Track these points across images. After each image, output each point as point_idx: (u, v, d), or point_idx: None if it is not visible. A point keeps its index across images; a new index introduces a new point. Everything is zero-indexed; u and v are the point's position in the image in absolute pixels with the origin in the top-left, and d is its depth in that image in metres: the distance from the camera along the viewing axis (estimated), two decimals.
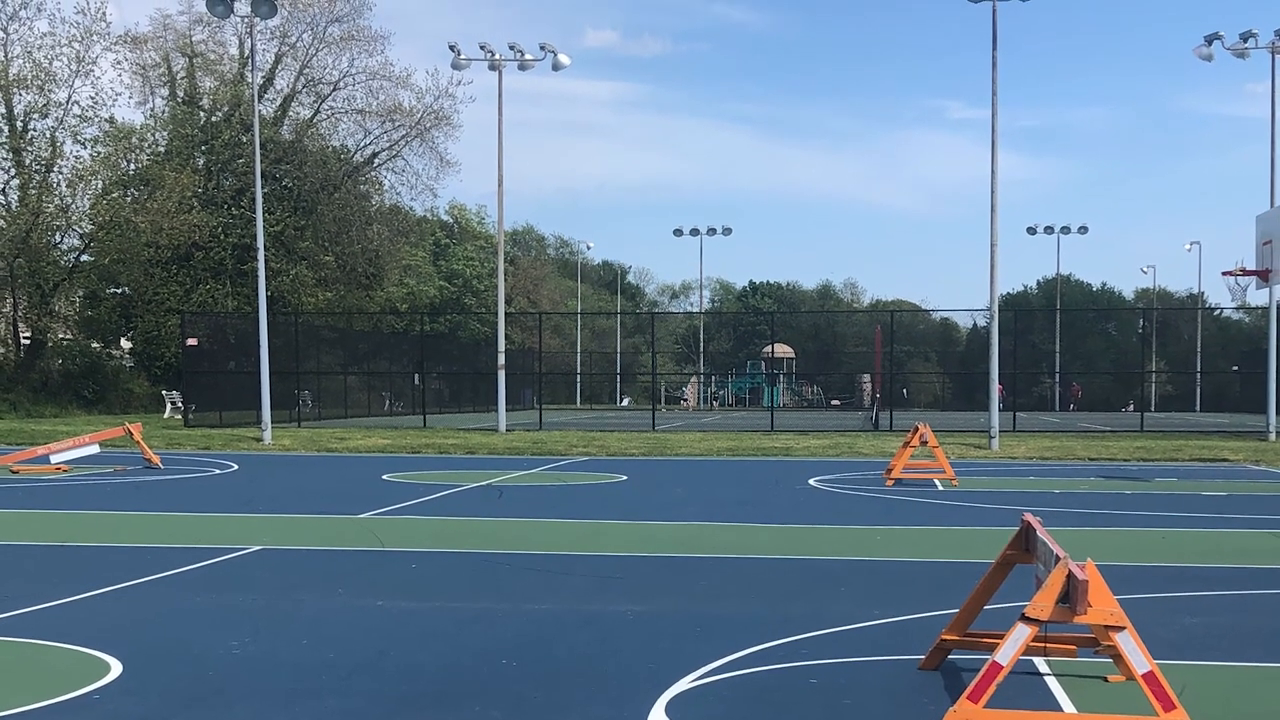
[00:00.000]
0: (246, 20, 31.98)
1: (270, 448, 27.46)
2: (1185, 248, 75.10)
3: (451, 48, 34.47)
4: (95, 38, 43.95)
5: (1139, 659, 5.45)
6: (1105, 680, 6.59)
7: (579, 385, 72.54)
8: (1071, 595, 5.52)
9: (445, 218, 73.54)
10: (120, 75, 47.39)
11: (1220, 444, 28.34)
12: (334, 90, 51.99)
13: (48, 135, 43.79)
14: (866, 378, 62.26)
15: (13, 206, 43.13)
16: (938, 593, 9.14)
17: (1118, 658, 5.89)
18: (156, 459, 21.55)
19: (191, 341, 37.77)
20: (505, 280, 38.63)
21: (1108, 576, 5.64)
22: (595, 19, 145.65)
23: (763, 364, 66.96)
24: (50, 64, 42.86)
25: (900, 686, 6.56)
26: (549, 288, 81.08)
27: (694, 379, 73.42)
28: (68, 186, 43.63)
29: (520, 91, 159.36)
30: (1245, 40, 30.86)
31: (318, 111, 52.60)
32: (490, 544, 12.02)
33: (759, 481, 19.57)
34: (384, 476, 19.94)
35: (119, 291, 48.39)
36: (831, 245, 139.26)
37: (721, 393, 73.27)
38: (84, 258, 45.87)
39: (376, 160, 54.49)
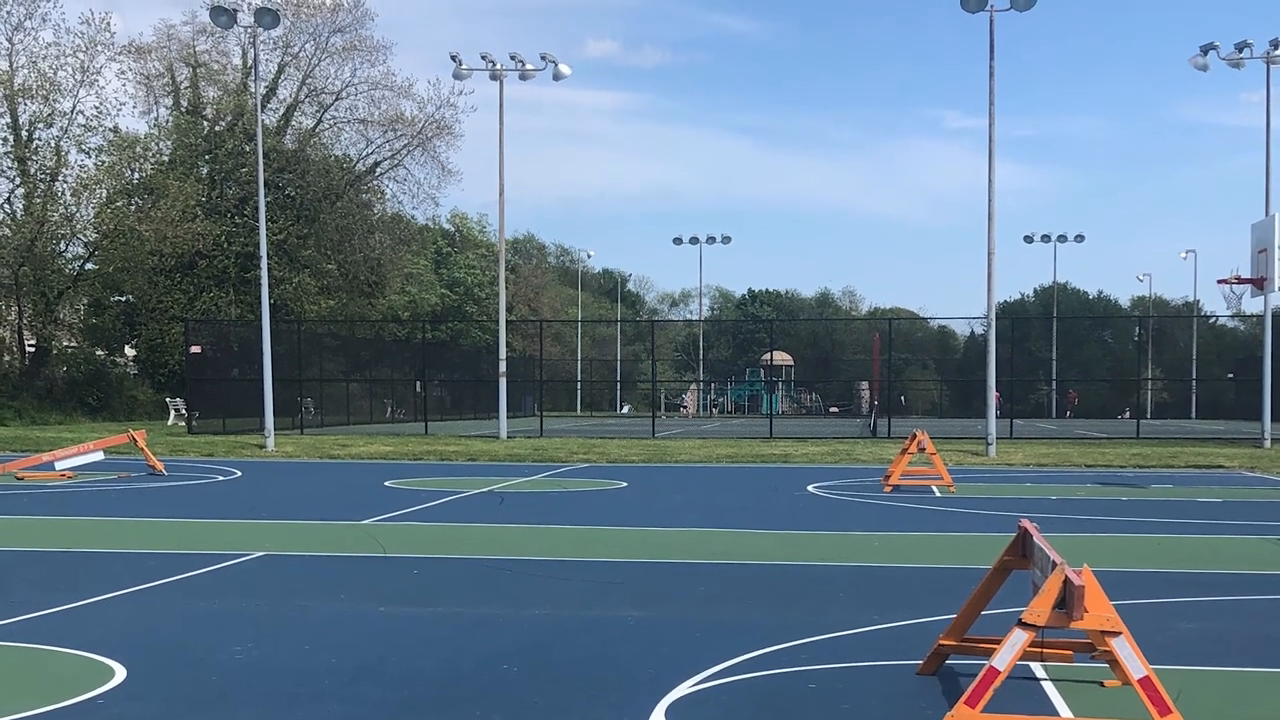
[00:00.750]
0: (249, 30, 32.24)
1: (273, 454, 27.53)
2: (1181, 256, 75.51)
3: (453, 58, 34.60)
4: (100, 48, 44.38)
5: (1135, 664, 5.48)
6: (1101, 685, 6.60)
7: (579, 392, 72.74)
8: (1068, 601, 5.52)
9: (447, 226, 73.88)
10: (124, 85, 47.91)
11: (1216, 451, 28.40)
12: (336, 100, 52.38)
13: (52, 144, 44.08)
14: (865, 385, 62.41)
15: (18, 215, 43.37)
16: (935, 598, 9.17)
17: (1114, 663, 5.89)
18: (160, 466, 21.50)
19: (195, 349, 37.92)
20: (506, 288, 38.84)
21: (1104, 582, 5.67)
22: (596, 29, 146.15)
23: (762, 371, 67.10)
24: (55, 74, 43.22)
25: (898, 691, 6.59)
26: (550, 296, 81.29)
27: (693, 386, 73.61)
28: (72, 195, 43.92)
29: (521, 101, 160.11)
30: (1240, 50, 30.90)
31: (320, 121, 52.94)
32: (491, 550, 12.03)
33: (758, 488, 19.58)
34: (386, 483, 19.97)
35: (123, 299, 48.60)
36: (830, 253, 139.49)
37: (721, 400, 73.48)
38: (88, 266, 46.16)
39: (379, 169, 54.82)
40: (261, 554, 11.57)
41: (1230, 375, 59.76)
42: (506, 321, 37.16)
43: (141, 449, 21.58)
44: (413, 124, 52.98)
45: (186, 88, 50.63)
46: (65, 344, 46.82)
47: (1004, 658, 5.56)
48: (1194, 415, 59.85)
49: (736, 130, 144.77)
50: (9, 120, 43.27)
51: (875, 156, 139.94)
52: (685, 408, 70.33)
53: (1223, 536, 13.34)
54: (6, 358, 44.33)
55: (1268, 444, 30.08)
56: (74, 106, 43.87)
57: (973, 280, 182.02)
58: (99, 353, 48.18)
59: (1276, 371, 32.59)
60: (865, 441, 33.09)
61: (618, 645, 7.70)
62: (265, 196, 32.24)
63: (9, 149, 43.21)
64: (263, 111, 39.83)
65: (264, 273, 30.38)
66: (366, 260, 52.54)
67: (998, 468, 24.46)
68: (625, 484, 20.20)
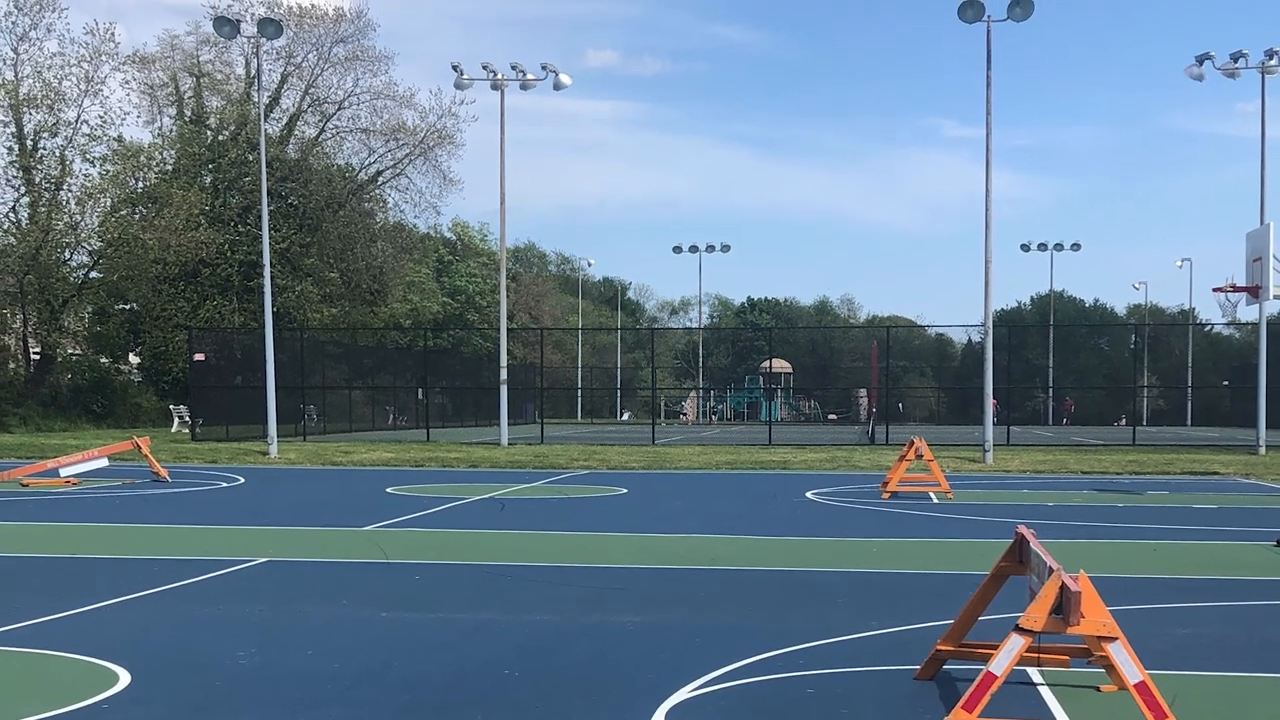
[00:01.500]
0: (253, 41, 32.43)
1: (276, 461, 27.61)
2: (1176, 264, 75.62)
3: (454, 68, 34.69)
4: (104, 58, 44.58)
5: (1131, 669, 5.51)
6: (1098, 690, 6.64)
7: (580, 400, 72.89)
8: (1065, 606, 5.54)
9: (448, 235, 74.08)
10: (128, 95, 48.23)
11: (1211, 458, 28.44)
12: (339, 109, 52.61)
13: (57, 154, 44.30)
14: (863, 392, 62.57)
15: (23, 224, 43.54)
16: (933, 604, 9.18)
17: (1110, 668, 5.88)
18: (164, 472, 21.55)
19: (199, 357, 38.13)
20: (507, 296, 39.01)
21: (1100, 588, 5.70)
22: (596, 39, 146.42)
23: (761, 379, 67.30)
24: (60, 84, 43.43)
25: (896, 696, 6.62)
26: (550, 304, 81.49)
27: (693, 394, 73.79)
28: (77, 204, 44.03)
29: (522, 110, 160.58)
30: (1235, 60, 31.05)
31: (323, 130, 53.14)
32: (492, 556, 12.06)
33: (757, 494, 19.64)
34: (388, 489, 20.02)
35: (127, 308, 48.76)
36: (828, 262, 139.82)
37: (720, 407, 73.63)
38: (93, 274, 46.27)
39: (381, 178, 55.03)
40: (265, 560, 11.63)
41: (1225, 383, 59.91)
42: (507, 329, 37.28)
43: (145, 456, 21.60)
44: (414, 133, 53.22)
45: (190, 97, 50.87)
46: (70, 352, 46.91)
47: (1001, 663, 5.60)
48: (1189, 422, 59.95)
49: (735, 139, 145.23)
50: (14, 130, 43.47)
51: (873, 166, 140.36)
52: (685, 415, 70.53)
53: (1218, 542, 13.40)
54: (12, 365, 44.44)
55: (1262, 450, 30.15)
56: (79, 116, 44.17)
57: (970, 288, 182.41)
58: (103, 360, 48.31)
59: (1271, 379, 32.82)
60: (863, 448, 33.13)
61: (618, 650, 7.74)
62: (268, 205, 32.46)
63: (14, 158, 43.42)
64: (266, 121, 40.07)
65: (267, 281, 30.60)
66: (369, 268, 52.76)
67: (995, 474, 24.50)
68: (625, 490, 20.26)
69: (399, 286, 58.81)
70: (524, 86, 34.76)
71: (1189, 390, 62.10)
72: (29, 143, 43.83)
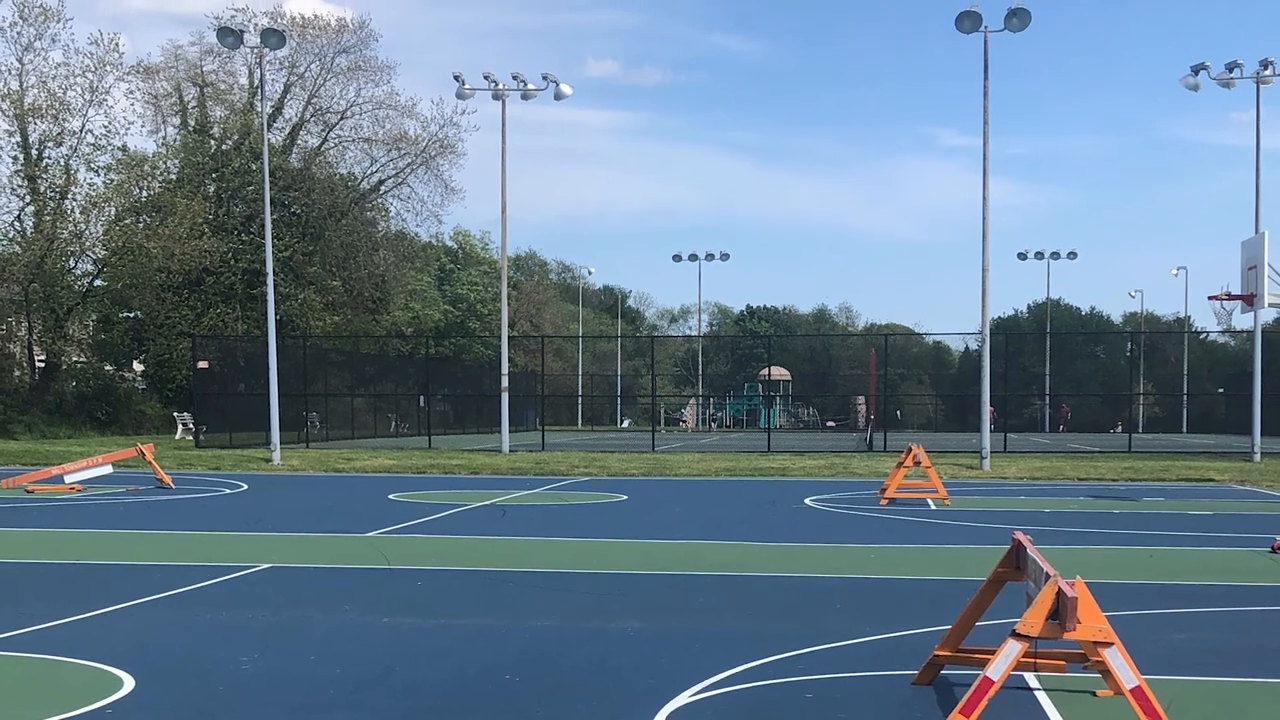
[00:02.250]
0: (256, 51, 32.70)
1: (279, 468, 27.67)
2: (1172, 273, 76.11)
3: (456, 78, 34.88)
4: (108, 68, 44.93)
5: (1127, 674, 5.52)
6: (1094, 695, 6.65)
7: (580, 407, 73.06)
8: (1061, 612, 5.55)
9: (450, 243, 74.38)
10: (133, 104, 48.48)
11: (1206, 464, 28.59)
12: (341, 119, 52.90)
13: (62, 163, 44.52)
14: (861, 400, 62.67)
15: (28, 232, 43.75)
16: (930, 609, 9.20)
17: (1106, 673, 5.91)
18: (168, 479, 21.62)
19: (202, 364, 38.30)
20: (508, 304, 39.24)
21: (1096, 594, 5.72)
22: (596, 50, 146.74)
23: (760, 386, 67.48)
24: (64, 93, 43.74)
25: (894, 701, 6.64)
26: (551, 312, 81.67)
27: (692, 401, 73.97)
28: (81, 213, 44.31)
29: (523, 120, 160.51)
30: (1231, 70, 31.21)
31: (325, 140, 53.43)
32: (494, 562, 12.06)
33: (756, 501, 19.66)
34: (390, 496, 20.05)
35: (131, 315, 48.98)
36: (827, 270, 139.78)
37: (719, 414, 73.83)
38: (97, 282, 46.52)
39: (383, 187, 55.29)
40: (268, 566, 11.64)
41: (1221, 390, 60.12)
42: (509, 337, 37.43)
43: (150, 463, 21.71)
44: (416, 143, 53.53)
45: (194, 107, 51.16)
46: (74, 359, 47.03)
47: (998, 668, 5.63)
48: (1185, 429, 60.08)
49: (735, 149, 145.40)
50: (19, 139, 43.72)
51: (871, 175, 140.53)
52: (684, 422, 70.68)
53: (1214, 549, 13.44)
54: (17, 373, 44.63)
55: (1258, 458, 30.26)
56: (83, 126, 44.46)
57: (967, 296, 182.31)
58: (108, 368, 48.45)
59: (1266, 386, 33.01)
60: (861, 455, 33.19)
61: (618, 656, 7.75)
62: (271, 214, 32.62)
63: (19, 167, 43.68)
64: (269, 130, 40.40)
65: (270, 289, 30.70)
66: (371, 277, 53.02)
67: (992, 481, 24.56)
68: (625, 497, 20.33)
69: (401, 295, 59.09)
70: (525, 96, 34.90)
71: (1184, 397, 62.30)
72: (34, 152, 44.10)
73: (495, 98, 34.90)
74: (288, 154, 51.09)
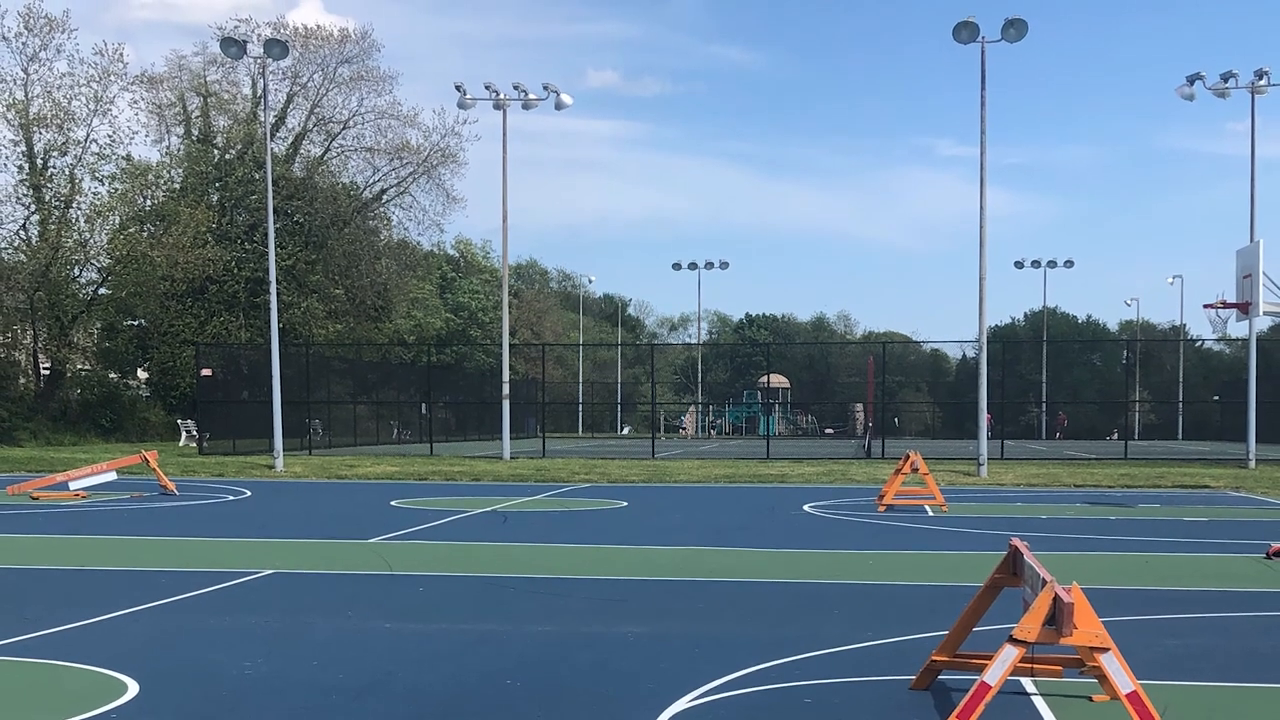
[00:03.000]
0: (259, 61, 32.97)
1: (282, 475, 27.78)
2: (1168, 281, 75.91)
3: (457, 88, 34.89)
4: (113, 78, 45.16)
5: (1123, 679, 5.55)
6: (1090, 700, 6.66)
7: (581, 414, 73.22)
8: (1058, 617, 5.58)
9: (451, 252, 74.53)
10: (137, 114, 48.63)
11: (1202, 471, 28.67)
12: (344, 129, 53.10)
13: (67, 172, 44.73)
14: (859, 407, 62.83)
15: (33, 241, 43.94)
16: (928, 615, 9.26)
17: (1102, 678, 5.93)
18: (172, 486, 21.72)
19: (206, 372, 38.48)
20: (509, 313, 39.39)
21: (1093, 599, 5.75)
22: (596, 60, 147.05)
23: (759, 394, 67.62)
24: (69, 103, 43.94)
25: (892, 706, 6.68)
26: (552, 320, 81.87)
27: (692, 408, 74.09)
28: (86, 222, 44.50)
29: (524, 130, 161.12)
30: (1226, 80, 31.37)
31: (328, 149, 53.65)
32: (495, 568, 12.13)
33: (755, 507, 19.79)
34: (392, 502, 20.18)
35: (136, 323, 49.09)
36: (825, 279, 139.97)
37: (719, 422, 73.89)
38: (102, 291, 46.64)
39: (385, 196, 55.45)
40: (270, 572, 11.71)
41: (1216, 397, 60.19)
42: (510, 345, 37.50)
43: (153, 469, 21.73)
44: (418, 152, 53.70)
45: (197, 117, 51.36)
46: (79, 367, 47.17)
47: (995, 673, 5.65)
48: (1180, 436, 60.18)
49: (734, 158, 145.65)
50: (24, 149, 43.86)
51: (869, 184, 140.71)
52: (684, 429, 70.85)
53: (1209, 555, 13.55)
54: (22, 380, 44.77)
55: (1253, 464, 30.39)
56: (88, 135, 44.66)
57: (964, 305, 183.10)
58: (112, 375, 48.56)
59: (1261, 393, 33.20)
60: (860, 462, 33.28)
61: (618, 661, 7.80)
62: (274, 223, 32.79)
63: (24, 177, 43.84)
64: (272, 140, 40.65)
65: (273, 297, 30.85)
66: (373, 285, 53.21)
67: (989, 488, 24.72)
68: (626, 503, 20.43)
69: (403, 303, 59.30)
70: (526, 106, 34.89)
71: (1180, 405, 62.36)
72: (39, 161, 44.27)
73: (496, 107, 34.92)
74: (291, 163, 51.29)
